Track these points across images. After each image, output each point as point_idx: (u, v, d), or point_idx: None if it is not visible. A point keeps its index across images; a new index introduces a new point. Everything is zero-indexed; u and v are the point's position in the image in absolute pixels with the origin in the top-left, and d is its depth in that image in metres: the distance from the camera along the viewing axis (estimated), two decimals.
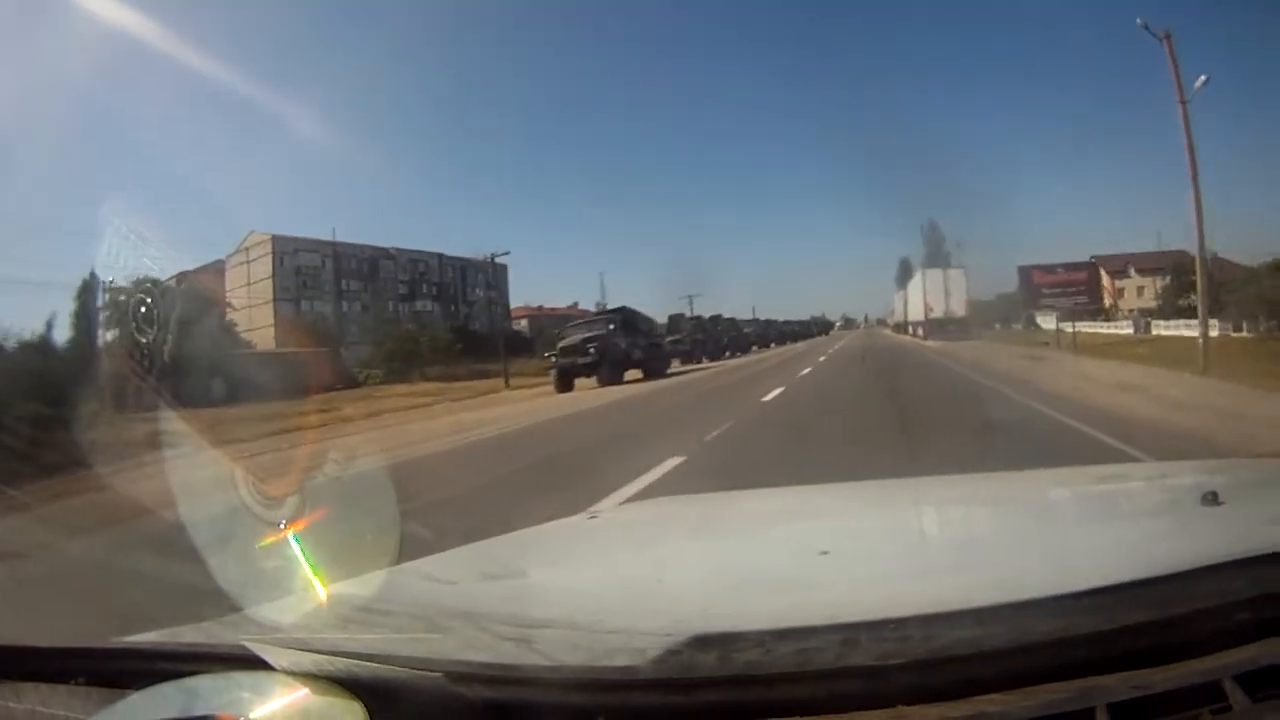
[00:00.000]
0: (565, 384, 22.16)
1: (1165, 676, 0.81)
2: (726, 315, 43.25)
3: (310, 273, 42.53)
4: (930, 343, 29.76)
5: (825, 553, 1.31)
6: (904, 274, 46.99)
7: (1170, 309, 34.27)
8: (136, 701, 0.95)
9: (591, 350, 22.28)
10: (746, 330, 44.43)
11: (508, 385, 26.68)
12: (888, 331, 50.77)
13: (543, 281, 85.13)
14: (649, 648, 0.83)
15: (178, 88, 43.36)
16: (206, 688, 0.94)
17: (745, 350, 40.04)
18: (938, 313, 33.42)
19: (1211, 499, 1.26)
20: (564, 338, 24.40)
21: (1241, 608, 0.86)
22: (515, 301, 48.03)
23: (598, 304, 38.08)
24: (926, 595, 0.93)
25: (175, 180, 42.36)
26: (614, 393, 18.71)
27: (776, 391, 13.23)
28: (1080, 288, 28.96)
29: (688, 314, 40.29)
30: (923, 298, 34.07)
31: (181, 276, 29.02)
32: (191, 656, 1.03)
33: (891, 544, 1.56)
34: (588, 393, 19.95)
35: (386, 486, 3.77)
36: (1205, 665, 0.82)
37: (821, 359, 23.75)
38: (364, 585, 1.31)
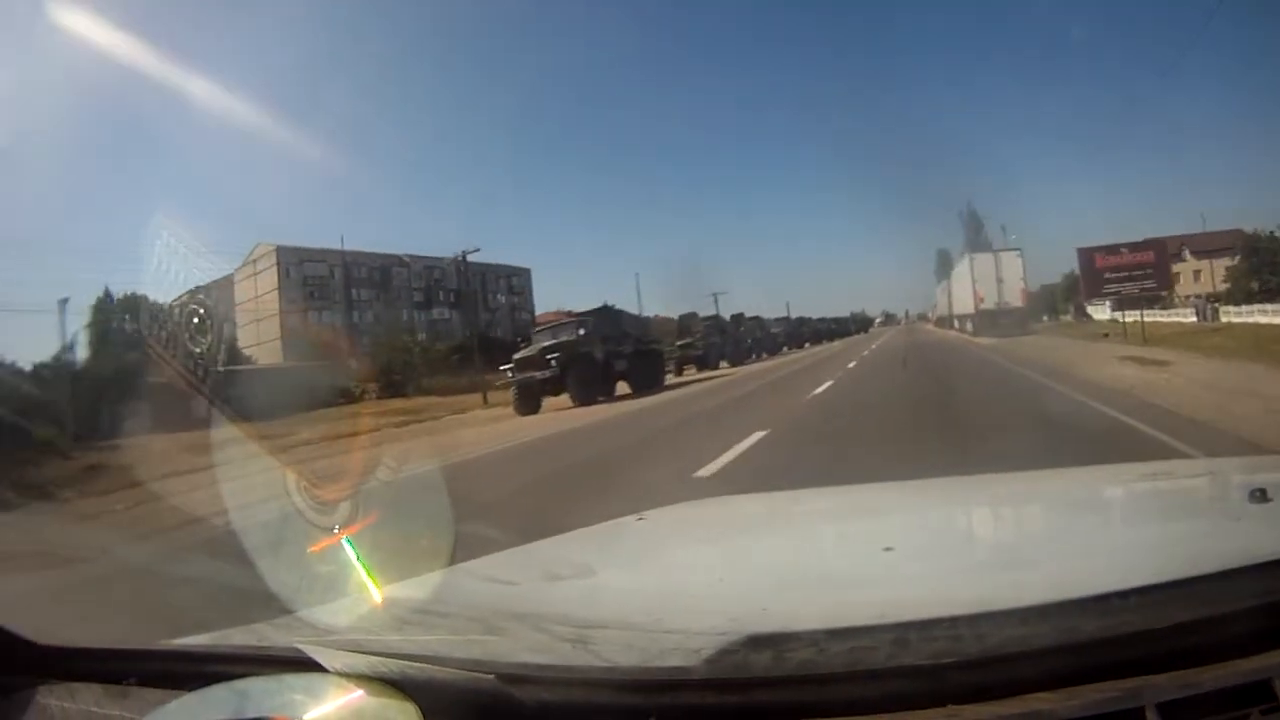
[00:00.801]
0: (528, 404, 17.72)
1: (1214, 676, 0.79)
2: (760, 315, 38.86)
3: (318, 283, 40.11)
4: (982, 340, 24.35)
5: (889, 549, 1.30)
6: (942, 265, 42.68)
7: (1240, 293, 29.29)
8: (189, 702, 0.94)
9: (552, 362, 17.49)
10: (775, 330, 39.39)
11: (485, 402, 22.27)
12: (930, 326, 45.95)
13: (576, 286, 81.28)
14: (704, 648, 0.82)
15: (183, 104, 40.38)
16: (259, 689, 0.93)
17: (774, 351, 35.83)
18: (989, 304, 27.97)
19: (1260, 496, 1.20)
20: (527, 346, 19.55)
21: None
22: (544, 307, 45.17)
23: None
24: (977, 593, 0.91)
25: (184, 195, 39.27)
26: (581, 417, 14.31)
27: (758, 435, 8.11)
28: (1147, 270, 23.71)
29: (711, 313, 35.29)
30: (971, 287, 28.66)
31: (193, 292, 25.97)
32: (244, 659, 1.03)
33: (942, 542, 1.55)
34: (558, 414, 15.47)
35: None
36: (1254, 664, 0.80)
37: (852, 364, 19.13)
38: (418, 587, 1.30)
